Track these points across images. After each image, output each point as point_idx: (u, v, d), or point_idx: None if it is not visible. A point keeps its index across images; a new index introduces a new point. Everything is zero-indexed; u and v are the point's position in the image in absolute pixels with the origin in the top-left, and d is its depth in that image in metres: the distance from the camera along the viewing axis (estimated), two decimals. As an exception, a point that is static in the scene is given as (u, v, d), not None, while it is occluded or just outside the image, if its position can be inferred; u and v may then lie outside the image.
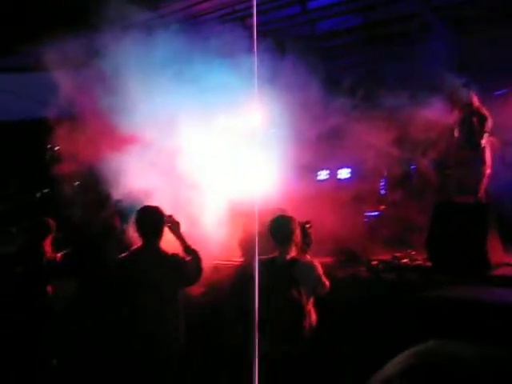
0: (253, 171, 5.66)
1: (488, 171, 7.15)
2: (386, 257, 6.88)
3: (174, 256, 4.66)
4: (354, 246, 7.08)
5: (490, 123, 7.04)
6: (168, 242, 4.81)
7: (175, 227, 4.75)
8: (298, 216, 4.97)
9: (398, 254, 6.83)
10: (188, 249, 4.75)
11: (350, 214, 8.28)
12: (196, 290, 5.27)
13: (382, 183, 9.23)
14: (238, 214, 6.51)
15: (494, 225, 6.29)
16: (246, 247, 6.77)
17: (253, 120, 5.32)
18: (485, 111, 7.10)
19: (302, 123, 7.62)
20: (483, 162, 7.11)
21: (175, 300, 4.63)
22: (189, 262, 4.66)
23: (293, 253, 4.70)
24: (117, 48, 5.86)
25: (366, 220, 8.62)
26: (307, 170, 9.31)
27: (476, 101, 7.16)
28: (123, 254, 4.78)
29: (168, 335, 4.59)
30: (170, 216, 4.77)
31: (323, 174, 10.34)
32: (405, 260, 6.72)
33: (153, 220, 4.68)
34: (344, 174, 10.26)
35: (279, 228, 4.71)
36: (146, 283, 4.55)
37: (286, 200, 6.94)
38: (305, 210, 6.12)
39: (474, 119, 7.05)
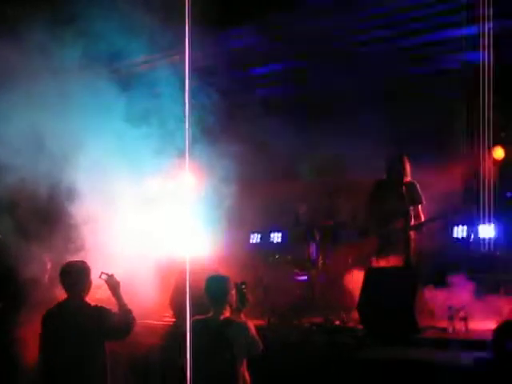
0: (185, 232, 5.67)
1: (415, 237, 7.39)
2: (319, 319, 6.92)
3: (98, 308, 4.73)
4: (286, 308, 7.08)
5: (420, 193, 7.34)
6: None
7: (115, 286, 4.87)
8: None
9: (330, 317, 6.88)
10: (123, 308, 4.81)
11: (282, 277, 8.32)
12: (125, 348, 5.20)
13: (312, 247, 9.32)
14: (169, 275, 6.42)
15: (422, 288, 6.50)
16: (178, 307, 6.66)
17: (185, 183, 5.38)
18: (415, 181, 7.42)
19: (235, 187, 7.71)
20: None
21: (99, 352, 4.66)
22: (117, 316, 4.72)
23: (227, 313, 4.66)
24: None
25: (297, 283, 8.65)
26: (240, 232, 9.37)
27: (408, 170, 7.46)
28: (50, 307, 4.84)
29: None
30: (112, 275, 4.89)
31: (256, 238, 10.45)
32: (337, 322, 6.78)
33: (77, 275, 4.80)
34: (276, 237, 10.38)
35: (214, 288, 4.68)
36: (68, 335, 4.58)
37: (219, 261, 6.93)
38: (236, 271, 6.11)
39: (405, 188, 7.32)
